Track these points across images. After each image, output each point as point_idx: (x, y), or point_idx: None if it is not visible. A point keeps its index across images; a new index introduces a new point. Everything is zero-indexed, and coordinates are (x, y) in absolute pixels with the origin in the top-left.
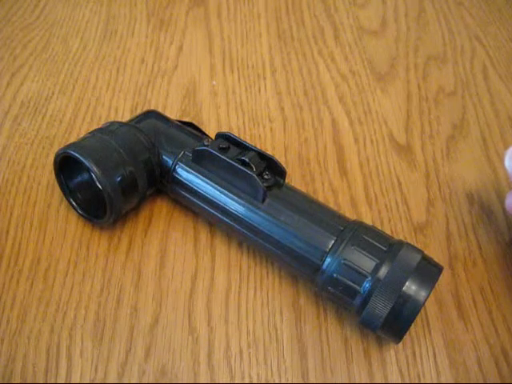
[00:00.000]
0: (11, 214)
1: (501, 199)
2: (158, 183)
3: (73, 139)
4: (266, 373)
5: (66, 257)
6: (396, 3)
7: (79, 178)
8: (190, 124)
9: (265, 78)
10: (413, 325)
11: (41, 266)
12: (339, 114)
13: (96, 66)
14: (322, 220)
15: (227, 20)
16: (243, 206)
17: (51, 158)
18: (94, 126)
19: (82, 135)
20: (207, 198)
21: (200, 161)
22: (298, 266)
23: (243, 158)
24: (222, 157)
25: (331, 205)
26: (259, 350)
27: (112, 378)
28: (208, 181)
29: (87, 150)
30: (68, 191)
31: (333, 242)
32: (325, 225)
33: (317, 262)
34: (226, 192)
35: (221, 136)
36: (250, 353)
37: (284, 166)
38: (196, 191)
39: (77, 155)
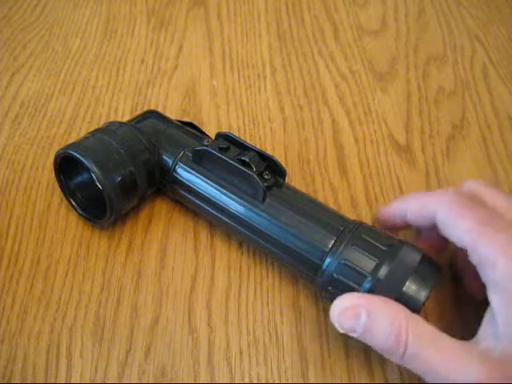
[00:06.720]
0: (11, 214)
1: None
2: (158, 183)
3: (73, 139)
4: (266, 373)
5: (66, 257)
6: (396, 3)
7: (79, 178)
8: (189, 124)
9: (265, 78)
10: None
11: (41, 266)
12: (339, 114)
13: (96, 66)
14: (321, 220)
15: (227, 20)
16: (243, 205)
17: (51, 158)
18: (94, 126)
19: (82, 135)
20: (207, 197)
21: (200, 161)
22: (298, 266)
23: (243, 158)
24: (222, 157)
25: (331, 205)
26: (259, 350)
27: (112, 378)
28: (208, 181)
29: (87, 150)
30: (68, 191)
31: (333, 241)
32: (325, 225)
33: (317, 262)
34: (226, 192)
35: (221, 136)
36: (250, 353)
37: (284, 166)
38: (196, 191)
39: (77, 155)
